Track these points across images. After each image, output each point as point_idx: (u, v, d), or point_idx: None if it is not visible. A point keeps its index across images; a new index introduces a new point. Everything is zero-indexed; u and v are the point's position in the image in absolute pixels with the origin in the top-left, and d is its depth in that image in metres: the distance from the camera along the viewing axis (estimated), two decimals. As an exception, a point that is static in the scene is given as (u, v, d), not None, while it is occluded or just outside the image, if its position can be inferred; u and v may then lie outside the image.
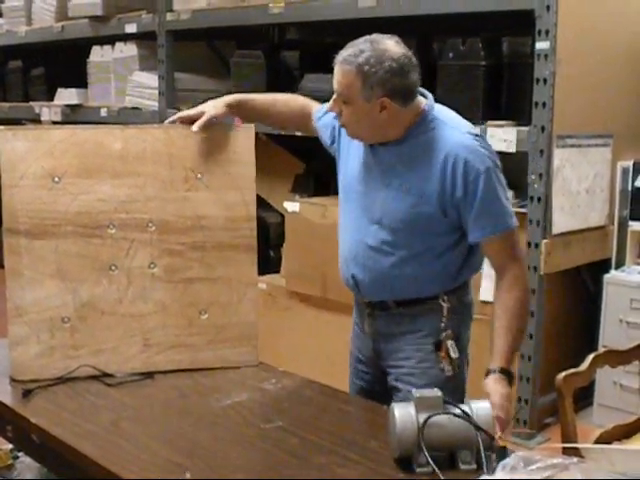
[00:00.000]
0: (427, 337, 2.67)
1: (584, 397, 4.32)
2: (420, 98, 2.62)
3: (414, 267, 2.63)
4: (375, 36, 2.53)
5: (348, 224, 2.76)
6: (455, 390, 2.62)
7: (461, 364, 2.70)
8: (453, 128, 2.58)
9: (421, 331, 2.69)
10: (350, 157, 2.76)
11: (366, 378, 2.87)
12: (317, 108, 2.96)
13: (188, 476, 2.08)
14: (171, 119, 2.91)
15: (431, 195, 2.55)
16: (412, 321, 2.70)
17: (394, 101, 2.51)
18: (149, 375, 2.79)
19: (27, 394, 2.61)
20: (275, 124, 2.88)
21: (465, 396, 2.69)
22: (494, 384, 2.45)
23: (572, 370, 2.62)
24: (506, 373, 2.48)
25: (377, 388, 2.81)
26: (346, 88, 2.51)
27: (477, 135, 2.60)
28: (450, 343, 2.65)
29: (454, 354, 2.65)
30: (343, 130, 2.72)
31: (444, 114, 2.64)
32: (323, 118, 2.90)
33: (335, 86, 2.56)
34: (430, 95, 2.67)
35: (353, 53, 2.49)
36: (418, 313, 2.69)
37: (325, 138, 2.90)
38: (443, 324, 2.65)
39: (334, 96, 2.59)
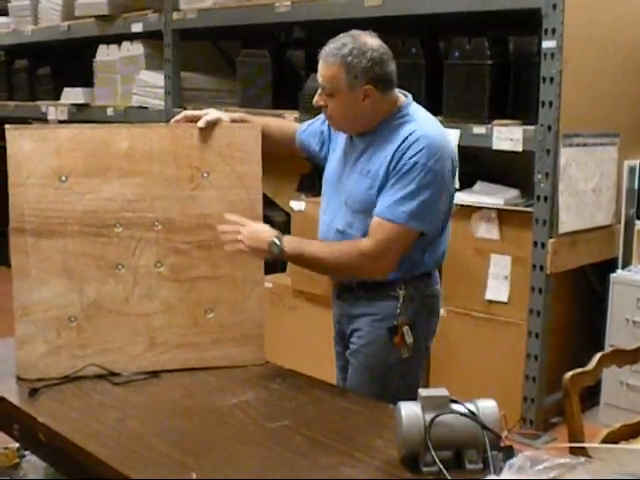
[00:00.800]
0: (382, 321, 2.79)
1: (590, 396, 4.32)
2: (400, 95, 2.78)
3: None
4: (354, 31, 2.72)
5: (324, 210, 2.92)
6: (406, 375, 2.81)
7: (416, 351, 2.80)
8: (420, 124, 2.70)
9: (377, 315, 2.80)
10: (334, 153, 2.92)
11: (342, 358, 3.01)
12: (301, 125, 3.13)
13: (194, 476, 2.08)
14: (176, 118, 2.92)
15: (383, 178, 2.68)
16: (370, 304, 2.82)
17: (376, 89, 2.67)
18: (155, 374, 2.79)
19: (34, 393, 2.61)
20: (267, 145, 2.95)
21: (420, 384, 2.83)
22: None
23: (579, 369, 2.61)
24: (281, 247, 2.67)
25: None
26: (331, 80, 2.68)
27: (440, 139, 2.69)
28: (405, 329, 2.74)
29: (409, 339, 2.75)
30: (332, 133, 2.94)
31: (418, 112, 2.77)
32: (309, 129, 3.07)
33: (320, 80, 2.72)
34: (410, 96, 2.82)
35: (336, 47, 2.67)
36: (376, 297, 2.80)
37: (313, 145, 3.04)
38: (399, 310, 2.75)
39: (319, 91, 2.74)
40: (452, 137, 4.25)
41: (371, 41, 2.68)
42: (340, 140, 2.91)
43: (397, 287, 2.76)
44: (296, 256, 2.74)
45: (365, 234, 2.71)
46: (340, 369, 3.05)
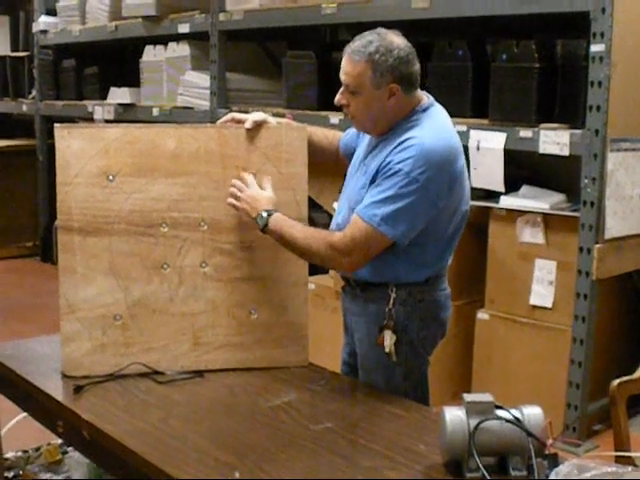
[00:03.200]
0: (374, 323, 2.78)
1: (634, 405, 4.26)
2: (422, 96, 2.76)
3: None
4: (380, 29, 2.69)
5: (338, 204, 2.98)
6: (407, 377, 2.79)
7: (412, 355, 2.79)
8: (423, 131, 2.65)
9: (369, 316, 2.81)
10: (357, 151, 2.94)
11: (347, 350, 3.04)
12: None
13: (237, 476, 2.09)
14: (223, 119, 2.93)
15: (373, 179, 2.69)
16: (365, 304, 2.83)
17: (401, 88, 2.67)
18: (199, 373, 2.80)
19: (78, 390, 2.64)
20: (312, 152, 2.96)
21: (427, 388, 2.86)
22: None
23: (626, 377, 2.58)
24: (266, 221, 2.74)
25: (353, 361, 2.96)
26: (356, 78, 2.66)
27: (436, 151, 2.60)
28: (388, 332, 2.73)
29: (388, 341, 2.74)
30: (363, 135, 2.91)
31: (430, 117, 2.72)
32: (350, 132, 3.07)
33: (343, 78, 2.70)
34: (432, 98, 2.80)
35: (362, 44, 2.65)
36: (370, 298, 2.81)
37: (354, 147, 3.00)
38: (387, 313, 2.74)
39: (341, 89, 2.73)
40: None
41: (397, 40, 2.67)
42: (363, 137, 2.92)
43: (389, 289, 2.75)
44: (275, 234, 2.76)
45: None
46: (343, 362, 3.06)
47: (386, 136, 2.73)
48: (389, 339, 2.74)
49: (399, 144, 2.63)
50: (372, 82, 2.65)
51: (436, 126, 2.70)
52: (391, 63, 2.62)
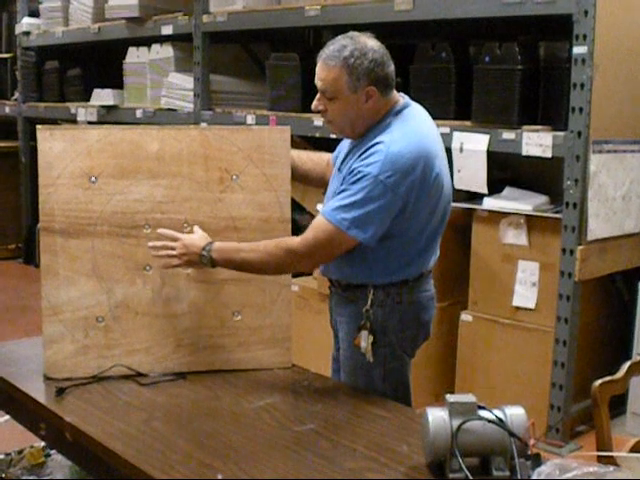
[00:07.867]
0: (353, 323, 2.80)
1: (616, 405, 4.28)
2: (398, 97, 2.76)
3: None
4: (352, 33, 2.69)
5: None
6: (386, 378, 2.79)
7: (392, 356, 2.79)
8: (393, 135, 2.64)
9: (350, 316, 2.83)
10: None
11: (336, 348, 3.03)
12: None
13: (220, 477, 2.08)
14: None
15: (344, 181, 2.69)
16: (345, 305, 2.86)
17: (378, 90, 2.67)
18: (182, 375, 2.80)
19: (61, 392, 2.63)
20: (298, 175, 2.96)
21: (409, 388, 2.87)
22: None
23: (608, 378, 2.58)
24: (209, 257, 2.70)
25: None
26: (332, 83, 2.66)
27: (404, 155, 2.60)
28: (364, 333, 2.75)
29: (364, 342, 2.75)
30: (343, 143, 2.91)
31: (404, 119, 2.71)
32: (338, 149, 3.00)
33: (319, 84, 2.71)
34: (407, 98, 2.80)
35: (336, 49, 2.65)
36: (350, 298, 2.83)
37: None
38: (364, 313, 2.74)
39: (318, 95, 2.73)
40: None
41: (371, 42, 2.67)
42: (345, 144, 2.91)
43: (367, 291, 2.76)
44: (226, 263, 2.73)
45: None
46: (333, 358, 3.06)
47: (360, 140, 2.73)
48: (365, 340, 2.75)
49: (367, 149, 2.64)
50: (349, 86, 2.64)
51: (407, 130, 2.68)
52: (366, 66, 2.63)
